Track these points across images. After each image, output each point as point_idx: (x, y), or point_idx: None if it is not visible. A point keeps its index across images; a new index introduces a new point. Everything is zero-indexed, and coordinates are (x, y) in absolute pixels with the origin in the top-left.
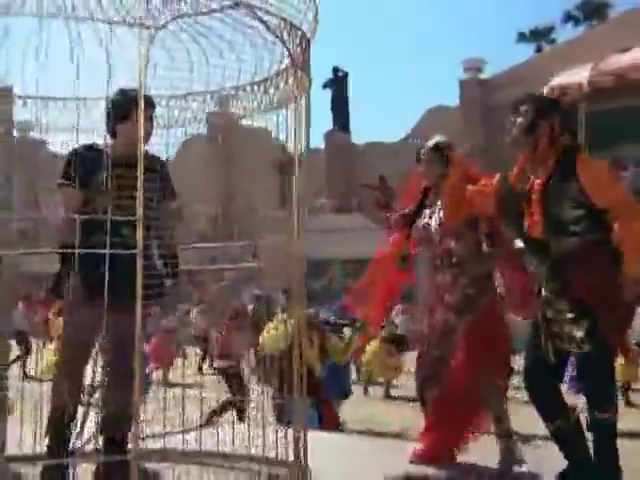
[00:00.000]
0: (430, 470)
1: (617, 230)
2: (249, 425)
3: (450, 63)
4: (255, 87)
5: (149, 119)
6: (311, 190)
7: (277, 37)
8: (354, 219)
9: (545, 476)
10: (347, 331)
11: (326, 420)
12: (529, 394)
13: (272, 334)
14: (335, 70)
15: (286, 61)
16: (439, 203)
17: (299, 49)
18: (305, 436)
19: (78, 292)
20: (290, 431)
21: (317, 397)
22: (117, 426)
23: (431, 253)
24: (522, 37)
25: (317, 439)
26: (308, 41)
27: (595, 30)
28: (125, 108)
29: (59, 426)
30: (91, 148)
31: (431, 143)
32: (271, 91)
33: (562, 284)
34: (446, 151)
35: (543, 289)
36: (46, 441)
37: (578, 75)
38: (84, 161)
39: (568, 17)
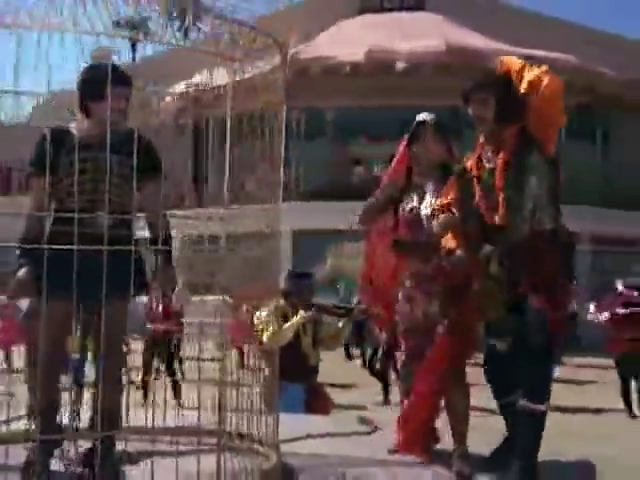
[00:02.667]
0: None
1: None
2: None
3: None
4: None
5: (125, 98)
6: None
7: None
8: None
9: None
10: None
11: (316, 407)
12: (485, 367)
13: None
14: None
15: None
16: (430, 185)
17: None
18: (277, 417)
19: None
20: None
21: (310, 384)
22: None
23: (416, 239)
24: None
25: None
26: None
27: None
28: (100, 86)
29: (49, 416)
30: (64, 131)
31: (430, 120)
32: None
33: (511, 274)
34: (445, 132)
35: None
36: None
37: (222, 77)
38: (56, 145)
39: None
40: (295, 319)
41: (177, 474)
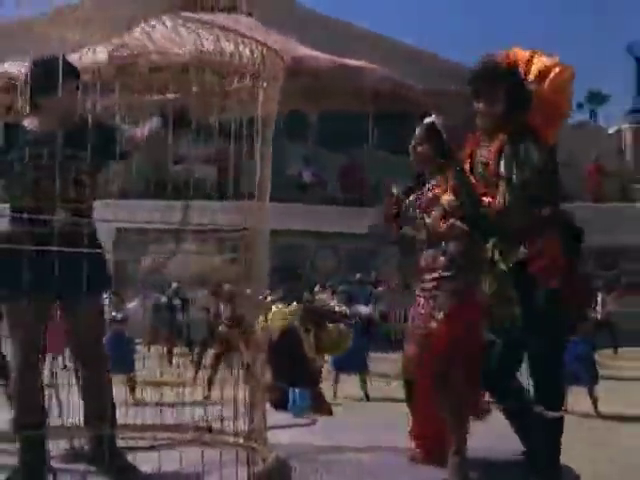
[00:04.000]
0: None
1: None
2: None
3: None
4: None
5: (75, 90)
6: None
7: None
8: None
9: None
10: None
11: (320, 411)
12: (483, 378)
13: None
14: None
15: None
16: (432, 183)
17: None
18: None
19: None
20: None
21: (312, 388)
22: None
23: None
24: None
25: None
26: None
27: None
28: (49, 80)
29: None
30: (16, 126)
31: (427, 121)
32: None
33: (518, 261)
34: (441, 134)
35: (498, 264)
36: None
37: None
38: (8, 140)
39: None
40: (289, 309)
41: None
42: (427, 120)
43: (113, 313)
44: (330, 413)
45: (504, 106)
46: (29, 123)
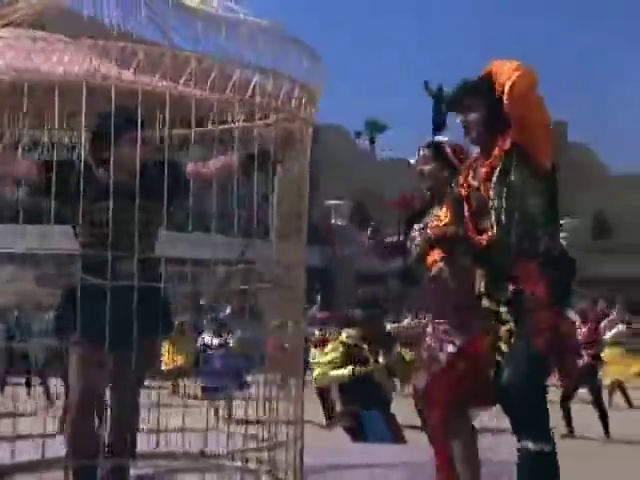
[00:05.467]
0: None
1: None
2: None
3: None
4: None
5: (142, 142)
6: None
7: None
8: None
9: None
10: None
11: (397, 437)
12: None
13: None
14: None
15: None
16: (433, 212)
17: None
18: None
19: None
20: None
21: (385, 413)
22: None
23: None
24: None
25: None
26: None
27: None
28: (114, 133)
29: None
30: (90, 170)
31: (428, 141)
32: None
33: (507, 295)
34: (448, 155)
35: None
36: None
37: None
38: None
39: None
40: (344, 372)
41: None
42: (436, 139)
43: None
44: (404, 441)
45: (483, 115)
46: (101, 173)
